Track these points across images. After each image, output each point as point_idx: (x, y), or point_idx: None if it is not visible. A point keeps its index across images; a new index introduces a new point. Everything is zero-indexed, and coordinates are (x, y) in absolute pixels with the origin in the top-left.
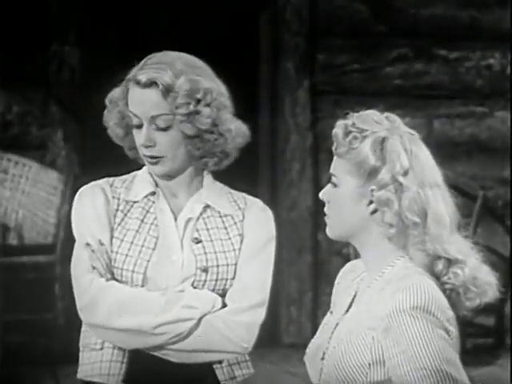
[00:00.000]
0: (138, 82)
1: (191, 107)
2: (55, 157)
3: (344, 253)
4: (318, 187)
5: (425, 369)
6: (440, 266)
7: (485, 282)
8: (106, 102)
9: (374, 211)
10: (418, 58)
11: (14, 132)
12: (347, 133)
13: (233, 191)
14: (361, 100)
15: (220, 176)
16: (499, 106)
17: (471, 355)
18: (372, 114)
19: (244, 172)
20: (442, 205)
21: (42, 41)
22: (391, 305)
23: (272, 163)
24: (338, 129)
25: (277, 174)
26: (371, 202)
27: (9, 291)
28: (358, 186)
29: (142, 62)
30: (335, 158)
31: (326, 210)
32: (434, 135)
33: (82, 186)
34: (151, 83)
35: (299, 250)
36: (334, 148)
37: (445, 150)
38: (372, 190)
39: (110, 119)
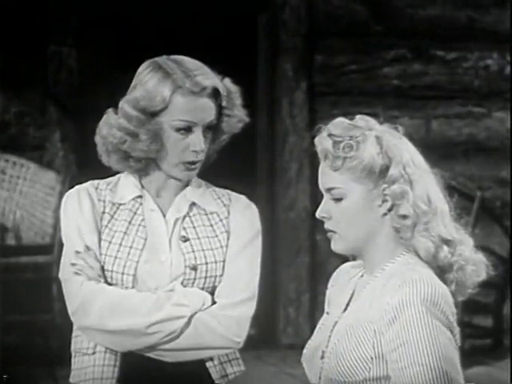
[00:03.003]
0: (200, 89)
1: (235, 110)
2: (53, 157)
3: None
4: (316, 188)
5: (422, 365)
6: (446, 249)
7: (479, 260)
8: (132, 121)
9: (389, 209)
10: (416, 58)
11: (11, 133)
12: (336, 144)
13: (216, 188)
14: (359, 101)
15: (218, 176)
16: (497, 107)
17: (469, 356)
18: (343, 121)
19: (242, 172)
20: (439, 190)
21: (40, 42)
22: (398, 297)
23: (270, 164)
24: (324, 144)
25: (275, 175)
26: (383, 202)
27: (7, 292)
28: (368, 190)
29: (176, 69)
30: (330, 172)
31: (329, 226)
32: (432, 135)
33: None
34: (208, 90)
35: (297, 250)
36: (326, 164)
37: (443, 150)
38: (384, 189)
39: (139, 138)
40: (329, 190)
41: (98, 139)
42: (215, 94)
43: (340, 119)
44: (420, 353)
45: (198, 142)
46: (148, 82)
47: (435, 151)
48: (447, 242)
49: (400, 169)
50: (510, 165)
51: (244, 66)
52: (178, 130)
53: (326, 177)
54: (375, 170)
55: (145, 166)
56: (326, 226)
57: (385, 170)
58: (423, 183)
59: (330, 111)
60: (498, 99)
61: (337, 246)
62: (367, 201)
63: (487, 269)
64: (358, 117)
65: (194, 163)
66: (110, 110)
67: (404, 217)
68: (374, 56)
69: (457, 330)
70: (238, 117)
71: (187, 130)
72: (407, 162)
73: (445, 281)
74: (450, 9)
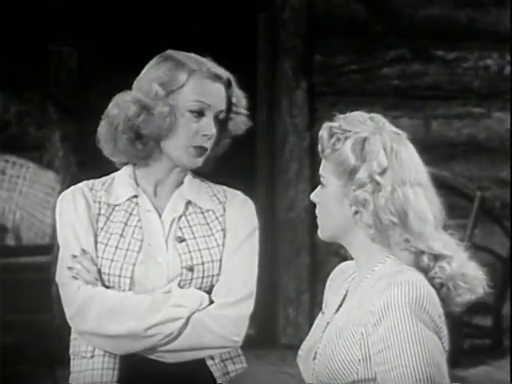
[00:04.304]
0: (215, 76)
1: (242, 109)
2: (53, 157)
3: (341, 253)
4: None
5: (406, 367)
6: (425, 260)
7: (473, 277)
8: (150, 93)
9: (356, 212)
10: (416, 58)
11: (11, 133)
12: (331, 135)
13: (212, 184)
14: (358, 101)
15: (217, 176)
16: (497, 107)
17: (468, 356)
18: (357, 115)
19: (242, 172)
20: (425, 203)
21: (40, 42)
22: (383, 300)
23: (270, 164)
24: (324, 131)
25: (274, 175)
26: (351, 204)
27: (6, 292)
28: (342, 186)
29: (189, 58)
30: (323, 159)
31: (316, 211)
32: (432, 136)
33: None
34: (222, 78)
35: (297, 250)
36: (320, 150)
37: (442, 151)
38: (354, 190)
39: (157, 115)
40: (319, 175)
41: (103, 125)
42: (228, 84)
43: (356, 113)
44: (404, 355)
45: (209, 126)
46: (163, 66)
47: (435, 151)
48: (428, 254)
49: (368, 175)
50: (510, 165)
51: (244, 66)
52: (192, 112)
53: (322, 163)
54: (345, 168)
55: (149, 153)
56: (316, 211)
57: (354, 171)
58: (399, 195)
59: (330, 111)
60: (497, 99)
61: (319, 231)
62: (339, 196)
63: (483, 285)
64: (372, 115)
65: (201, 148)
66: (120, 94)
67: (367, 225)
68: (374, 56)
69: (444, 332)
70: (243, 116)
71: (200, 113)
72: (381, 170)
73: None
74: (450, 9)
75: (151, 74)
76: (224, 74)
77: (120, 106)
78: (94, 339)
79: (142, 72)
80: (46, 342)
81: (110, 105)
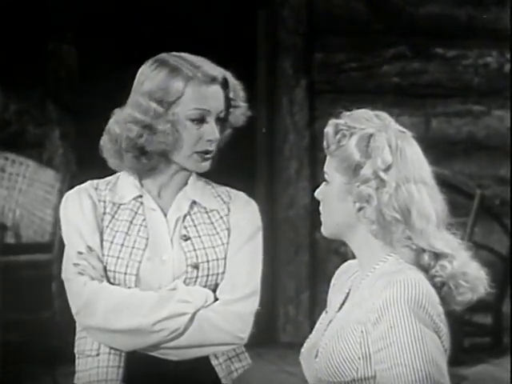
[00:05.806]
0: (211, 79)
1: (240, 102)
2: (52, 155)
3: (341, 251)
4: (316, 185)
5: (405, 366)
6: (426, 258)
7: (475, 276)
8: (151, 112)
9: (360, 208)
10: (416, 56)
11: (11, 130)
12: (337, 131)
13: (215, 185)
14: (358, 98)
15: (217, 175)
16: (497, 105)
17: (469, 354)
18: (363, 112)
19: (242, 170)
20: (428, 201)
21: (39, 39)
22: (383, 298)
23: (270, 162)
24: (329, 127)
25: (274, 173)
26: (355, 201)
27: (6, 290)
28: (345, 183)
29: (183, 62)
30: (327, 156)
31: (320, 208)
32: (432, 134)
33: (79, 184)
34: (218, 79)
35: (296, 248)
36: (325, 146)
37: (442, 149)
38: (358, 186)
39: (161, 130)
40: (324, 172)
41: (105, 141)
42: (224, 83)
43: (362, 110)
44: (403, 354)
45: (211, 131)
46: (157, 76)
47: (435, 149)
48: (429, 252)
49: (372, 171)
50: (510, 163)
51: (243, 64)
52: (193, 120)
53: (327, 159)
54: (350, 165)
55: (155, 165)
56: (320, 207)
57: (358, 167)
58: (403, 192)
59: (330, 109)
60: (497, 97)
61: (322, 228)
62: (343, 193)
63: (485, 285)
64: (378, 113)
65: (208, 153)
66: (118, 110)
67: (370, 221)
68: (374, 54)
69: (444, 331)
70: (242, 108)
71: (201, 120)
72: (386, 166)
73: (434, 285)
74: (450, 7)
75: (146, 87)
76: (219, 73)
77: (121, 126)
78: (100, 334)
79: (136, 82)
80: (46, 339)
81: (111, 121)
